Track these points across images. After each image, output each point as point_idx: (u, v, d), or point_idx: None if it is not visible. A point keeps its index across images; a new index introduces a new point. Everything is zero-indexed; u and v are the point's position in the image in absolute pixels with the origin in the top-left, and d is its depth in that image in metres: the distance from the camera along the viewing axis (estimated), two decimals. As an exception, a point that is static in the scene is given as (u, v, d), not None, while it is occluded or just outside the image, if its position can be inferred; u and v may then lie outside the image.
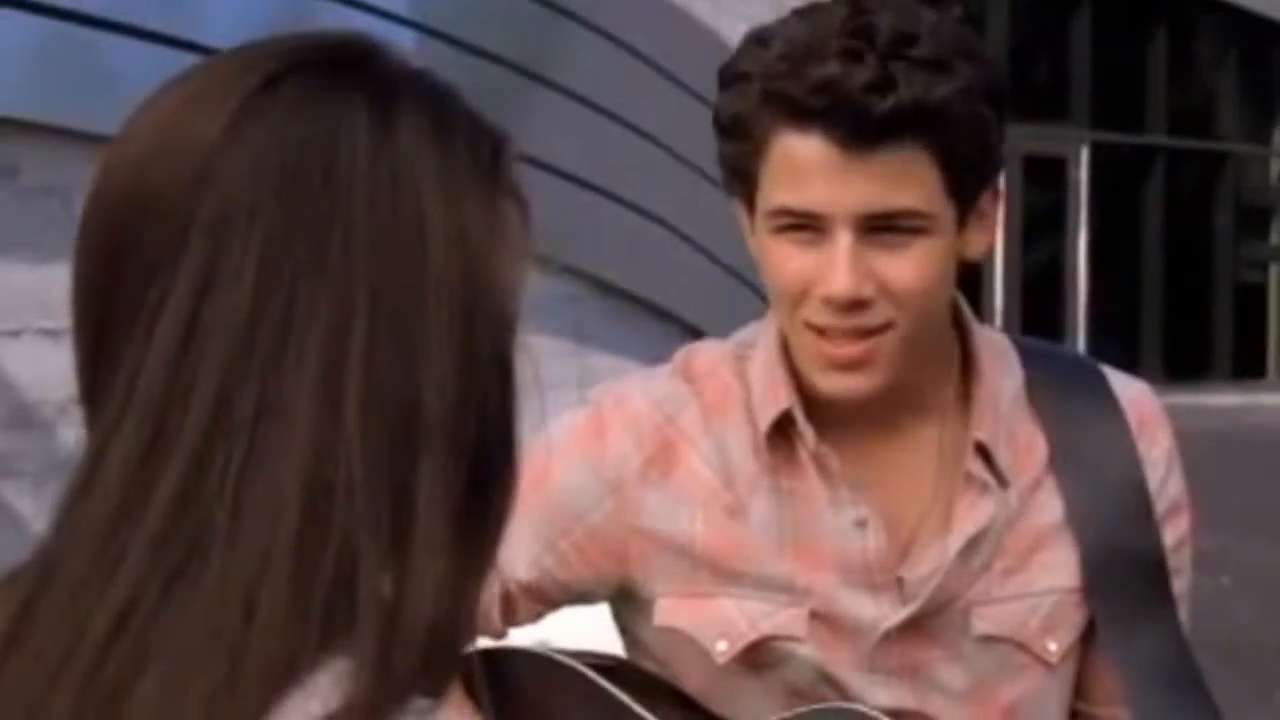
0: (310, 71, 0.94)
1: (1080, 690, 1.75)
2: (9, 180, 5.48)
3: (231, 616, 0.87)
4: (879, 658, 1.67)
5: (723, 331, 1.78)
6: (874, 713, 1.61)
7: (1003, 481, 1.68)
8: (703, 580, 1.68)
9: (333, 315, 0.90)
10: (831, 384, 1.63)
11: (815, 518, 1.67)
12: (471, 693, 0.94)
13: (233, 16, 5.80)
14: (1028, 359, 1.74)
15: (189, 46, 5.65)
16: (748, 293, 6.41)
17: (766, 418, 1.67)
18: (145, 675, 0.87)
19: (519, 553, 1.70)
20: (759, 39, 1.62)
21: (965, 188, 1.61)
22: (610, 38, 8.82)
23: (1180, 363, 17.30)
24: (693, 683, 1.69)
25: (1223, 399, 16.19)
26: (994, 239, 1.71)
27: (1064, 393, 1.73)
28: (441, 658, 0.89)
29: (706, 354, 1.74)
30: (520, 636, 1.76)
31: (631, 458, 1.69)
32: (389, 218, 0.92)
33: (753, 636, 1.67)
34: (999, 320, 15.22)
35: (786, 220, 1.61)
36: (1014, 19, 16.45)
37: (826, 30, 1.56)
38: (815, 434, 1.66)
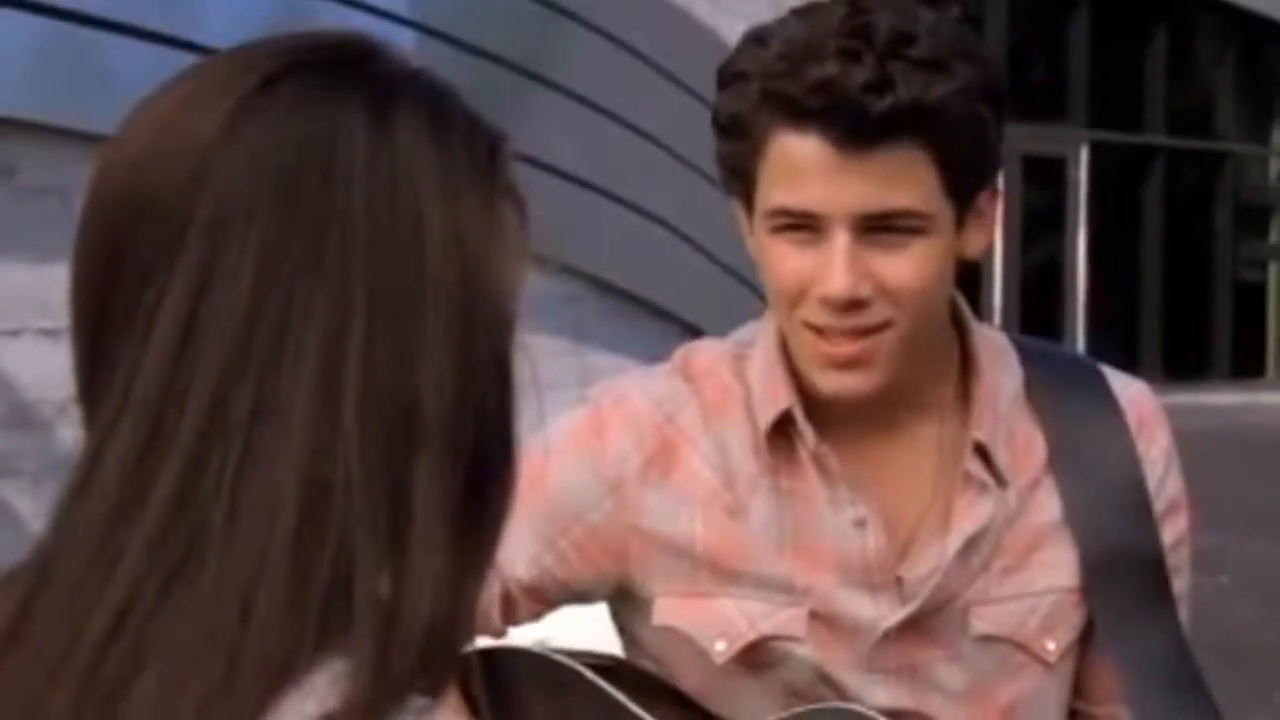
0: (308, 72, 0.94)
1: (1079, 689, 1.75)
2: (7, 180, 5.48)
3: (228, 616, 0.87)
4: (877, 657, 1.67)
5: (722, 331, 1.78)
6: (871, 713, 1.61)
7: (1001, 481, 1.68)
8: (702, 580, 1.68)
9: (330, 315, 0.90)
10: (830, 383, 1.63)
11: (815, 517, 1.67)
12: (470, 693, 0.94)
13: (231, 16, 5.79)
14: (1026, 358, 1.74)
15: (188, 46, 5.65)
16: (747, 292, 6.41)
17: (767, 417, 1.67)
18: (143, 674, 0.87)
19: (518, 552, 1.70)
20: (757, 38, 1.62)
21: (963, 187, 1.61)
22: (610, 38, 8.82)
23: (1179, 362, 17.31)
24: (691, 682, 1.69)
25: (1222, 398, 16.21)
26: (992, 238, 1.71)
27: (1063, 392, 1.73)
28: (439, 657, 0.89)
29: (705, 353, 1.74)
30: (519, 636, 1.76)
31: (631, 457, 1.69)
32: (387, 218, 0.92)
33: (751, 636, 1.67)
34: (998, 319, 15.22)
35: (784, 220, 1.61)
36: (1012, 19, 16.46)
37: (825, 30, 1.56)
38: (814, 433, 1.66)
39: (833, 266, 1.58)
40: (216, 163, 0.91)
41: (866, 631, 1.67)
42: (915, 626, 1.67)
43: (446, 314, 0.91)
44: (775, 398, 1.67)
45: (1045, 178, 16.84)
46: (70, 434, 0.95)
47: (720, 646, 1.67)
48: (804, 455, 1.67)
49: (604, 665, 1.64)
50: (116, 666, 0.87)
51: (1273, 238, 19.45)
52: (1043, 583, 1.69)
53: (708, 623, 1.68)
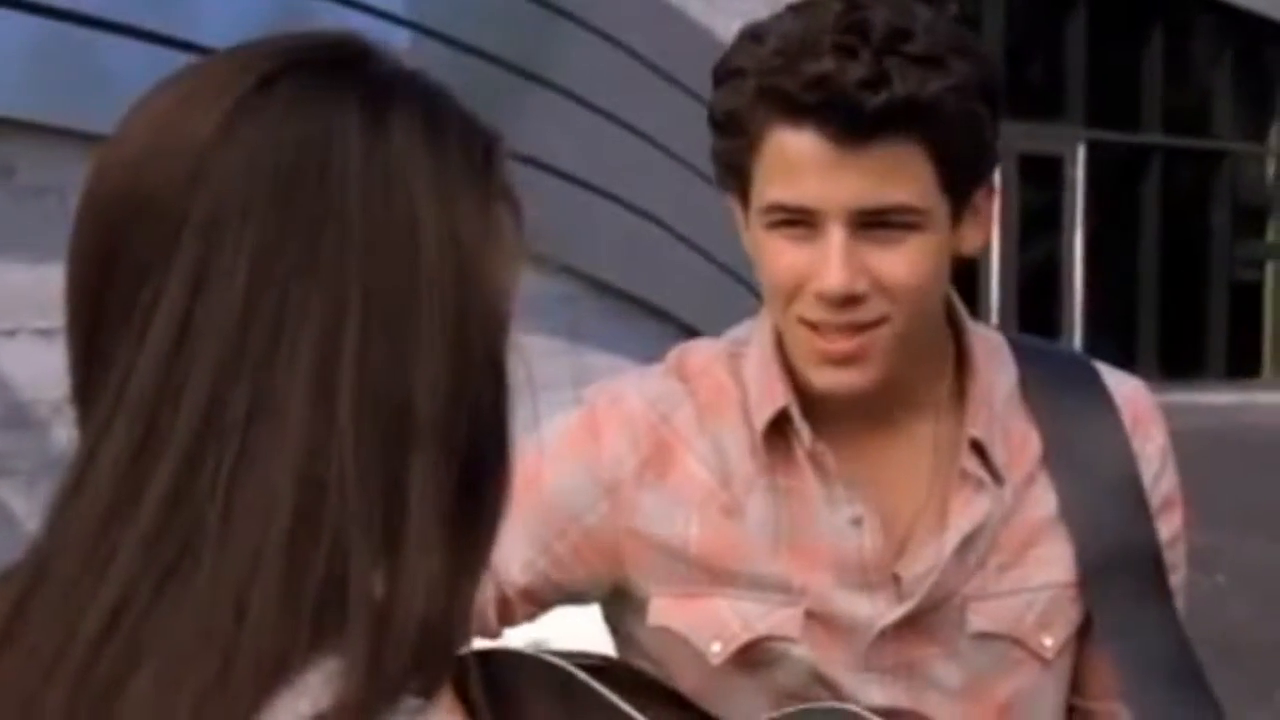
0: (305, 72, 0.94)
1: (1076, 685, 1.75)
2: (5, 180, 5.47)
3: (223, 615, 0.87)
4: (874, 656, 1.67)
5: (719, 331, 1.78)
6: (865, 712, 1.61)
7: (997, 478, 1.68)
8: (697, 581, 1.68)
9: (325, 315, 0.90)
10: (826, 379, 1.63)
11: (811, 516, 1.67)
12: (467, 695, 0.94)
13: (229, 16, 5.79)
14: (1022, 356, 1.74)
15: (185, 46, 5.65)
16: (743, 292, 6.41)
17: (763, 417, 1.67)
18: (138, 673, 0.87)
19: (513, 554, 1.70)
20: (754, 35, 1.62)
21: (959, 184, 1.61)
22: (606, 37, 8.82)
23: (1175, 360, 17.30)
24: (686, 682, 1.68)
25: (1218, 397, 16.20)
26: (989, 235, 1.71)
27: (1058, 389, 1.73)
28: (433, 657, 0.89)
29: (700, 353, 1.74)
30: (515, 637, 1.76)
31: (627, 459, 1.69)
32: (382, 218, 0.92)
33: (747, 637, 1.67)
34: (995, 318, 15.22)
35: (780, 215, 1.61)
36: (1010, 17, 16.44)
37: (821, 26, 1.56)
38: (811, 432, 1.66)
39: (828, 262, 1.58)
40: (213, 162, 0.91)
41: (863, 630, 1.66)
42: (912, 624, 1.66)
43: (441, 314, 0.92)
44: (771, 397, 1.67)
45: (1042, 177, 16.83)
46: (66, 434, 0.95)
47: (716, 648, 1.67)
48: (800, 454, 1.67)
49: (597, 666, 1.64)
50: (111, 665, 0.87)
51: (1269, 237, 19.44)
52: (1039, 579, 1.69)
53: (703, 624, 1.68)
